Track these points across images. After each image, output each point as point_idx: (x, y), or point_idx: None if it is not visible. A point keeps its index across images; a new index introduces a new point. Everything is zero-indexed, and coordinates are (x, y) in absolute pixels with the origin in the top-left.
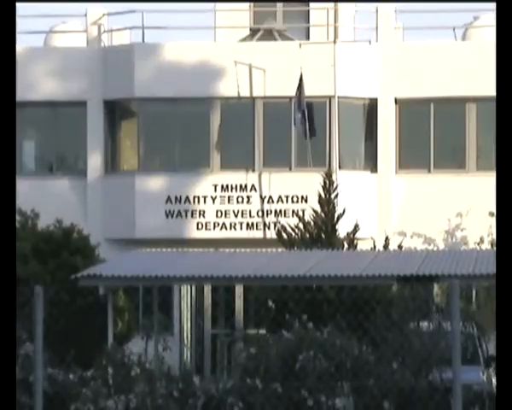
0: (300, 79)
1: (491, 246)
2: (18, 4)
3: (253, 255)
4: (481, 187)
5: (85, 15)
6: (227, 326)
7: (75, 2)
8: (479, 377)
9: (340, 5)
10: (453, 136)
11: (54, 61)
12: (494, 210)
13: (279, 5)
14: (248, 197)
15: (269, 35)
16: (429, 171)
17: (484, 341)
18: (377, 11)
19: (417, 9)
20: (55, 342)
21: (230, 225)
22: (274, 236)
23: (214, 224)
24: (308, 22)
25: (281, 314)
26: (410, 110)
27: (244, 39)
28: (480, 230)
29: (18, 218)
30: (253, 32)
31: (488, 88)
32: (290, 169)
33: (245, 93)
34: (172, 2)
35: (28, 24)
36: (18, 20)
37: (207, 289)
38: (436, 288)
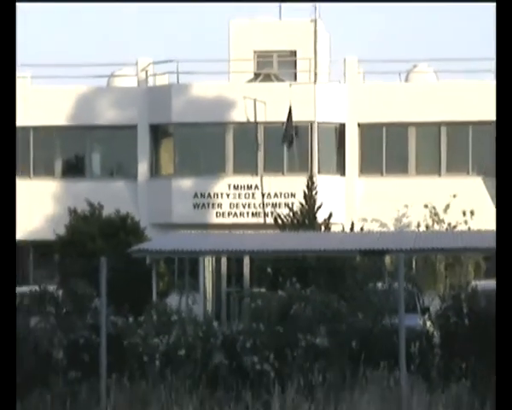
0: (289, 112)
1: (427, 228)
2: (86, 55)
3: (256, 236)
4: (419, 187)
5: (136, 64)
6: (237, 286)
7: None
8: (417, 322)
9: (319, 56)
10: (399, 149)
11: (114, 96)
12: (428, 203)
13: (275, 56)
14: (253, 194)
15: (267, 78)
16: (382, 175)
17: (421, 296)
18: (345, 61)
19: (374, 59)
20: (116, 298)
21: (240, 213)
22: (271, 221)
23: (228, 213)
24: (295, 68)
25: (276, 278)
26: (368, 132)
27: (250, 80)
28: (418, 217)
29: (88, 208)
30: (256, 75)
31: (425, 115)
32: (283, 173)
33: (251, 119)
34: (199, 50)
35: (94, 70)
36: (86, 69)
37: (224, 259)
38: (387, 258)
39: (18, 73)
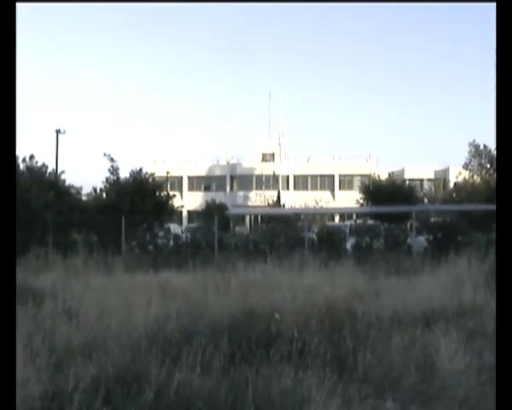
0: (273, 172)
1: (314, 207)
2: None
3: (262, 208)
4: (313, 194)
5: (225, 156)
6: (256, 223)
7: None
8: (311, 235)
9: (281, 152)
10: (305, 182)
11: (219, 167)
12: (315, 199)
13: (268, 154)
14: (261, 195)
15: (266, 160)
16: (300, 190)
17: (312, 227)
18: (290, 155)
19: (300, 155)
20: (219, 227)
21: (258, 202)
22: (267, 205)
23: (254, 202)
24: (274, 157)
25: (268, 221)
26: (296, 177)
27: (261, 161)
28: (312, 203)
29: (211, 202)
30: (263, 159)
31: (318, 172)
32: (270, 189)
33: (260, 173)
34: (244, 149)
35: (211, 158)
36: (210, 159)
37: (252, 216)
38: (302, 215)
39: (192, 159)
